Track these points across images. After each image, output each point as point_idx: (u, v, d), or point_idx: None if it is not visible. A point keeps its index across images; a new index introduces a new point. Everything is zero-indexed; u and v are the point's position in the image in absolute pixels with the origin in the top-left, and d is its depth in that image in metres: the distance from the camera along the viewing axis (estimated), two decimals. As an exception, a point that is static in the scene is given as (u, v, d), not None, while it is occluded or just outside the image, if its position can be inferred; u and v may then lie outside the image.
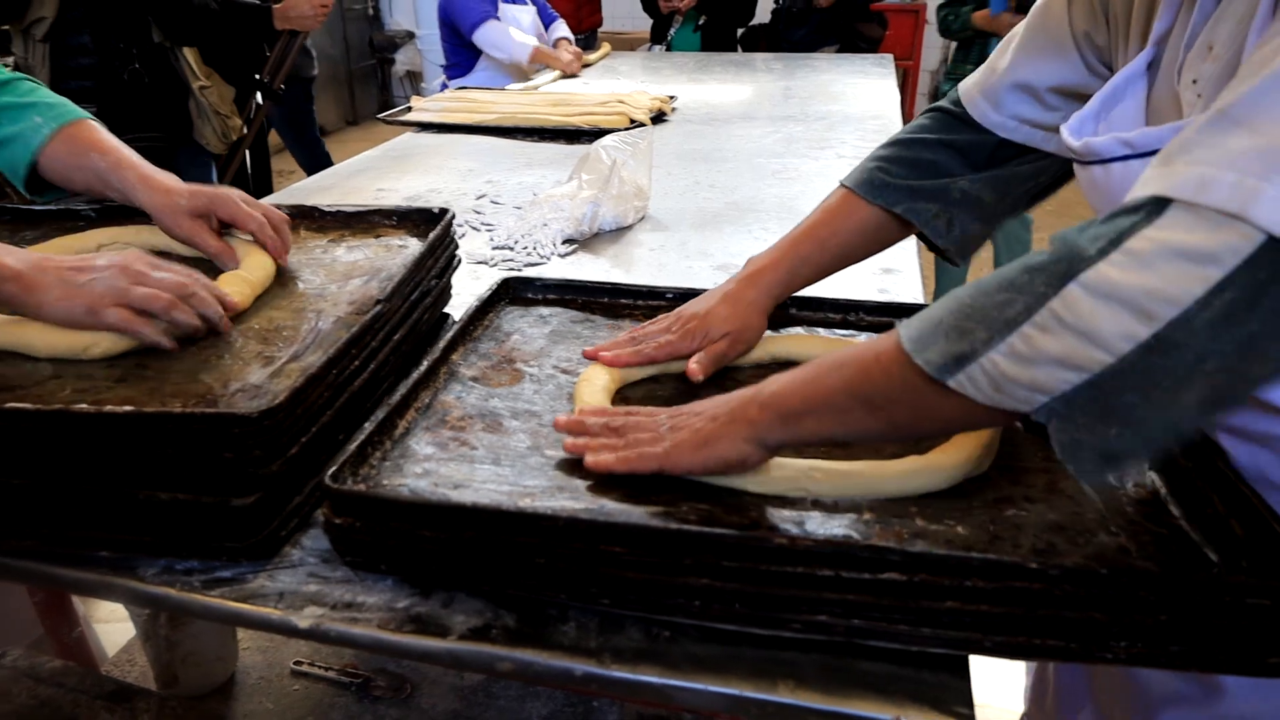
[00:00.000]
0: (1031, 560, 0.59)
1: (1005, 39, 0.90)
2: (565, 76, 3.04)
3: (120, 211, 1.04)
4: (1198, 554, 0.64)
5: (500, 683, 1.32)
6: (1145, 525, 0.67)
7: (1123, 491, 0.70)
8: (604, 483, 0.71)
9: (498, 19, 3.16)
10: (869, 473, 0.70)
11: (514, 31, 3.16)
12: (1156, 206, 0.52)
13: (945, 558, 0.59)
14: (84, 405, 0.66)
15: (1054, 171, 0.91)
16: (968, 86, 0.93)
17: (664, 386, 0.88)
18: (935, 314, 0.60)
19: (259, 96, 2.82)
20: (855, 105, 2.51)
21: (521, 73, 3.18)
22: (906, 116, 6.15)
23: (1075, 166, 0.76)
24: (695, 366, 0.87)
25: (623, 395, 0.86)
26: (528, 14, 3.31)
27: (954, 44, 3.35)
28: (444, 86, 3.33)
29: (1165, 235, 0.51)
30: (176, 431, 0.65)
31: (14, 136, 1.08)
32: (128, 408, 0.65)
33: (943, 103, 0.96)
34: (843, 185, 0.95)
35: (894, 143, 0.95)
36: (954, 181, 0.91)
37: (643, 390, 0.88)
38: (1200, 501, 0.68)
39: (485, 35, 3.12)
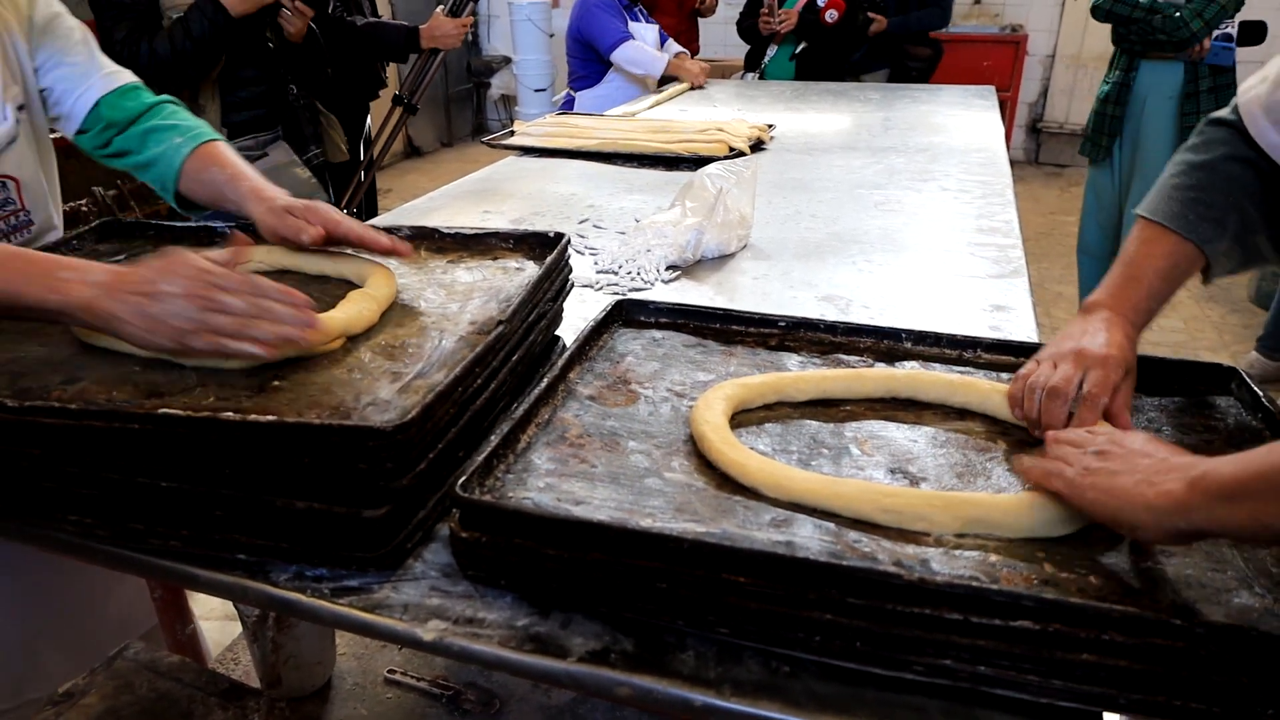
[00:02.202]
0: (1175, 617, 0.57)
1: None
2: (694, 88, 3.40)
3: (252, 229, 1.10)
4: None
5: (588, 703, 1.33)
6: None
7: (1267, 551, 0.67)
8: (727, 509, 0.71)
9: (632, 38, 3.43)
10: (990, 505, 0.69)
11: (645, 48, 3.44)
12: None
13: (1083, 608, 0.58)
14: (230, 414, 0.70)
15: None
16: (1248, 99, 0.93)
17: (778, 411, 0.88)
18: None
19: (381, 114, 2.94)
20: (958, 137, 2.47)
21: (646, 85, 3.47)
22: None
23: None
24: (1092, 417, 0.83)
25: (737, 420, 0.86)
26: (652, 32, 3.58)
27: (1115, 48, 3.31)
28: (570, 98, 3.64)
29: None
30: (315, 442, 0.68)
31: (159, 156, 1.15)
32: (270, 417, 0.68)
33: (1225, 114, 0.96)
34: (1155, 220, 0.94)
35: (1196, 168, 0.95)
36: (1256, 235, 0.93)
37: (760, 414, 0.88)
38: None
39: (625, 54, 3.43)
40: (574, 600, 0.67)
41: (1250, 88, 0.94)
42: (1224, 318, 3.91)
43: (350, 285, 1.02)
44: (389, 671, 1.37)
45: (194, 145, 1.14)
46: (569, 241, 1.07)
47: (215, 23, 2.06)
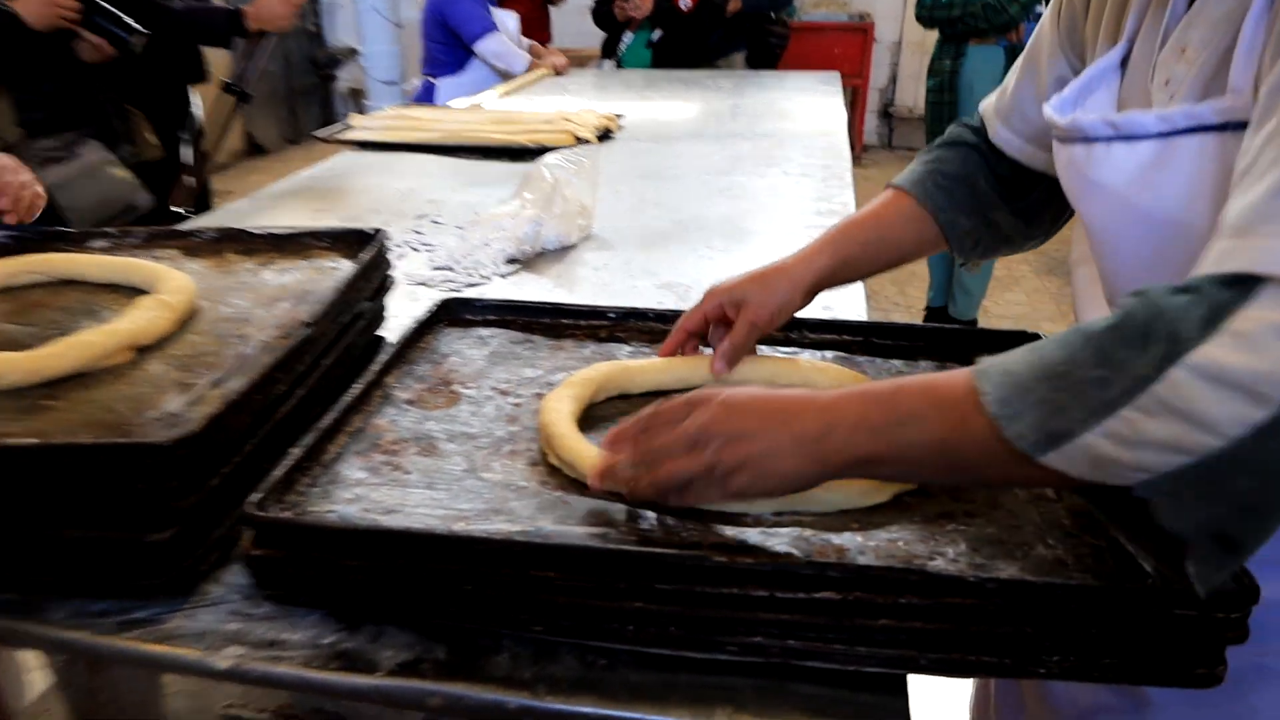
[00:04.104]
0: (967, 574, 0.60)
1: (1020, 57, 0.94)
2: (556, 74, 3.43)
3: (36, 244, 1.02)
4: (1133, 566, 0.65)
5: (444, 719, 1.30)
6: (1083, 538, 0.68)
7: (1060, 504, 0.72)
8: (547, 506, 0.71)
9: (497, 30, 3.37)
10: None
11: (508, 42, 3.42)
12: (1246, 284, 0.51)
13: (880, 573, 0.60)
14: (-15, 439, 0.64)
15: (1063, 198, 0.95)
16: (986, 105, 0.98)
17: (634, 404, 0.88)
18: (1019, 374, 0.56)
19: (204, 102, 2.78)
20: (803, 123, 2.55)
21: (508, 75, 3.42)
22: (855, 134, 6.28)
23: (1055, 146, 0.79)
24: (720, 364, 0.87)
25: (588, 415, 0.86)
26: (513, 20, 3.53)
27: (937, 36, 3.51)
28: (427, 85, 3.53)
29: (1270, 315, 0.50)
30: (84, 464, 0.63)
31: None
32: (31, 440, 0.63)
33: (972, 120, 1.00)
34: (895, 186, 0.96)
35: (944, 146, 0.99)
36: (994, 210, 0.95)
37: (612, 408, 0.88)
38: (1139, 513, 0.70)
39: (489, 46, 3.38)
40: (384, 612, 0.65)
41: (990, 98, 0.99)
42: (1061, 289, 4.20)
43: (143, 293, 0.96)
44: (226, 707, 1.31)
45: None
46: (386, 237, 1.05)
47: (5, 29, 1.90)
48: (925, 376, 0.62)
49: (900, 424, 0.59)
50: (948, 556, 0.66)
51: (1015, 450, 0.55)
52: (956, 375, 0.59)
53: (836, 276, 0.93)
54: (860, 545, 0.67)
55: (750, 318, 0.88)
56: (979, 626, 0.59)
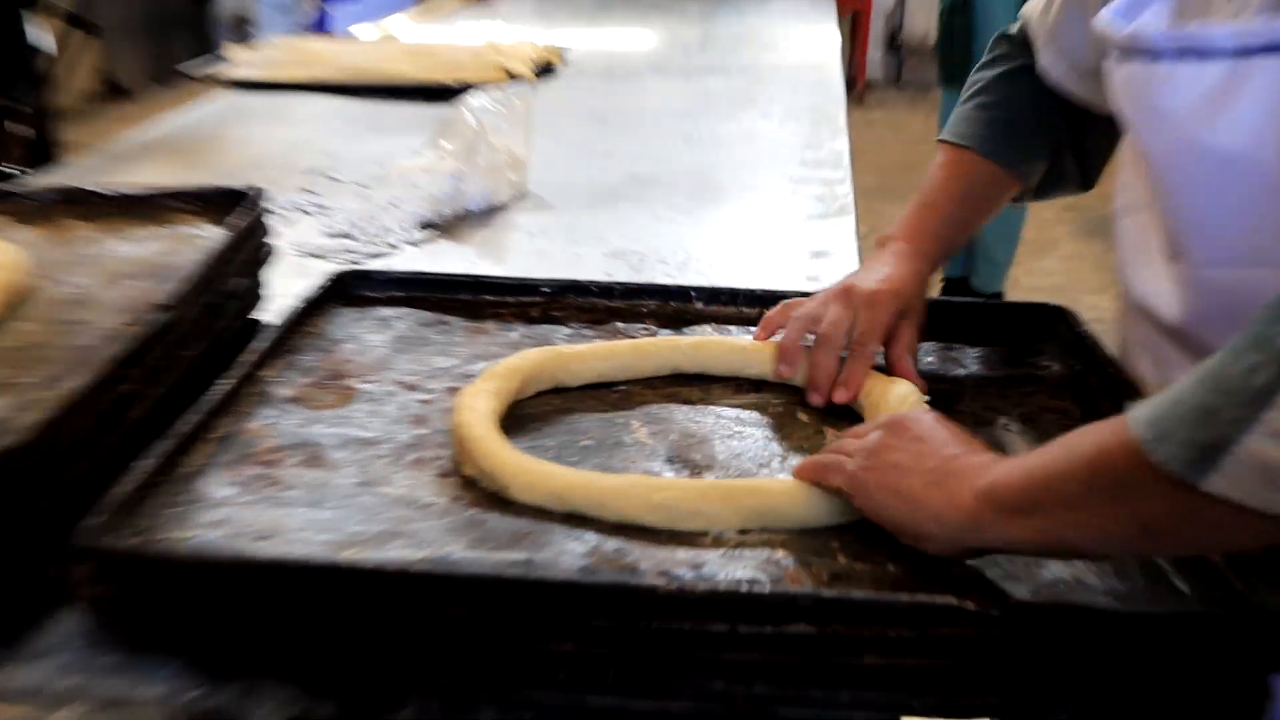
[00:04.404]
0: (975, 600, 0.61)
1: None
2: (475, 1, 3.32)
3: None
4: (1166, 584, 0.66)
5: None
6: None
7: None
8: (459, 527, 0.70)
9: None
10: (776, 493, 0.72)
11: None
12: None
13: (863, 602, 0.61)
14: None
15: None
16: (1030, 11, 1.02)
17: (570, 398, 0.89)
18: (1177, 389, 0.55)
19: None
20: (788, 55, 2.56)
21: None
22: (856, 69, 6.32)
23: (1110, 65, 0.81)
24: (843, 393, 0.87)
25: (514, 415, 0.86)
26: None
27: None
28: (323, 14, 3.55)
29: None
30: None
31: None
32: None
33: (1014, 30, 1.04)
34: (959, 144, 1.01)
35: (998, 79, 1.03)
36: (1061, 152, 1.03)
37: (545, 405, 0.88)
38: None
39: None
40: (257, 661, 0.64)
41: (1032, 8, 1.02)
42: (1104, 255, 4.27)
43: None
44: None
45: None
46: (265, 197, 1.05)
47: None
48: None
49: (1051, 464, 0.62)
50: (950, 579, 0.67)
51: (1170, 478, 0.53)
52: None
53: (942, 256, 1.00)
54: (844, 569, 0.67)
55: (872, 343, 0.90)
56: (982, 663, 0.60)
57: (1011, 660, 0.60)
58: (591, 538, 0.70)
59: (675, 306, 1.02)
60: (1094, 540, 0.61)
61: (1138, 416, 0.56)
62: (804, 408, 0.88)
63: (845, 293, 0.90)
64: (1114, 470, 0.57)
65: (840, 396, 0.87)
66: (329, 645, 0.63)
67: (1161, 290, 0.86)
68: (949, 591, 0.63)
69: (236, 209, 1.03)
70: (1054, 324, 0.99)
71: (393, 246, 1.36)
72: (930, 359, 0.97)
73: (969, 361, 0.96)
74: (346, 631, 0.62)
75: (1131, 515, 0.58)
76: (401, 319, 1.00)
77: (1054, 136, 1.02)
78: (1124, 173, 0.94)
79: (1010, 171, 1.00)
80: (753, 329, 0.99)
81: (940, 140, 1.03)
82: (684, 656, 0.61)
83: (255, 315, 1.05)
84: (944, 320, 0.99)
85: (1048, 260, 4.24)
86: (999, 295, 3.70)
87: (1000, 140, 0.99)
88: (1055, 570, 0.67)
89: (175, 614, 0.64)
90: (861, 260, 1.32)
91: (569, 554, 0.68)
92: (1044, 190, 1.05)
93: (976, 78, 1.05)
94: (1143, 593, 0.66)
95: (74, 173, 1.67)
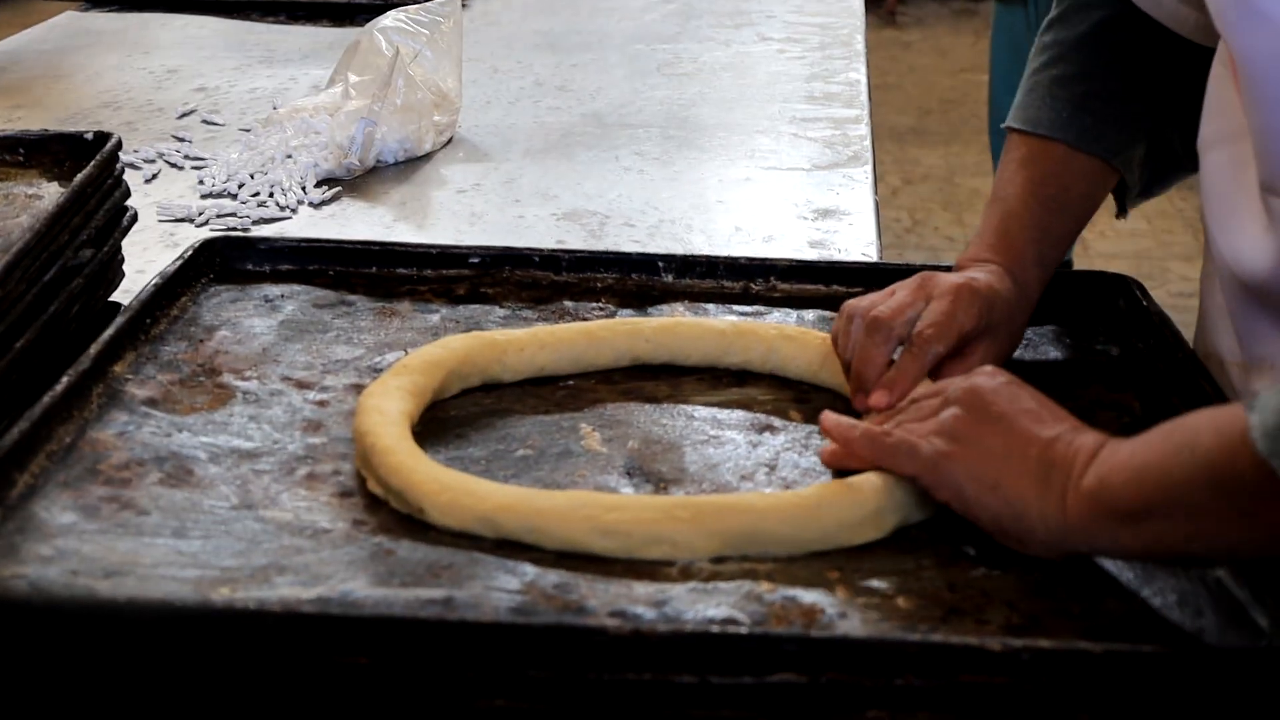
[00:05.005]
0: (992, 642, 0.63)
1: None
2: None
3: None
4: (1243, 618, 0.69)
5: None
6: (1174, 580, 0.72)
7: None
8: (361, 559, 0.72)
9: None
10: (762, 510, 0.74)
11: None
12: None
13: (864, 645, 0.63)
14: None
15: None
16: None
17: (505, 398, 0.90)
18: None
19: None
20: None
21: None
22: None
23: (1233, 33, 0.84)
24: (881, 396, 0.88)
25: (433, 419, 0.87)
26: None
27: None
28: None
29: None
30: None
31: None
32: None
33: None
34: (1036, 133, 1.01)
35: (1076, 48, 1.04)
36: (1168, 130, 1.04)
37: (472, 406, 0.89)
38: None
39: None
40: (103, 723, 0.66)
41: None
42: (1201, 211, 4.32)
43: None
44: None
45: None
46: (118, 145, 1.06)
47: None
48: None
49: (1165, 461, 0.66)
50: (975, 616, 0.69)
51: None
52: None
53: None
54: (840, 605, 0.69)
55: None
56: (1012, 718, 0.62)
57: (1048, 715, 0.62)
58: (528, 570, 0.71)
59: (638, 280, 1.03)
60: (1219, 551, 0.68)
61: (1258, 424, 0.59)
62: (798, 406, 0.90)
63: (919, 279, 0.92)
64: (1240, 480, 0.61)
65: (879, 400, 0.86)
66: (197, 706, 0.64)
67: (1252, 241, 0.89)
68: (980, 631, 0.66)
69: (84, 160, 1.04)
70: (1115, 298, 1.01)
71: (285, 209, 1.37)
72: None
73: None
74: (219, 689, 0.63)
75: (1265, 526, 0.63)
76: (292, 299, 1.00)
77: (1155, 107, 1.03)
78: (1212, 97, 0.96)
79: (1110, 163, 1.01)
80: (736, 307, 1.01)
81: (1010, 128, 1.03)
82: (643, 715, 0.62)
83: (111, 297, 1.07)
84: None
85: (1130, 219, 4.25)
86: (1067, 265, 3.73)
87: (1094, 125, 1.00)
88: (1109, 606, 0.69)
89: (4, 670, 0.64)
90: (880, 222, 1.34)
91: (499, 590, 0.69)
92: (1150, 184, 1.06)
93: (1049, 39, 1.05)
94: (1215, 630, 0.68)
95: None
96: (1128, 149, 1.02)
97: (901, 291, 0.91)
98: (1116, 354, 0.96)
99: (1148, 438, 0.69)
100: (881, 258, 1.26)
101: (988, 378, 0.79)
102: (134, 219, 1.10)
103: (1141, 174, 1.05)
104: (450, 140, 1.58)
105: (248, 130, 1.59)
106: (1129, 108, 1.02)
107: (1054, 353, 0.98)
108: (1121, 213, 1.10)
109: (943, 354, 0.88)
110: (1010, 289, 0.94)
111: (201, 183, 1.43)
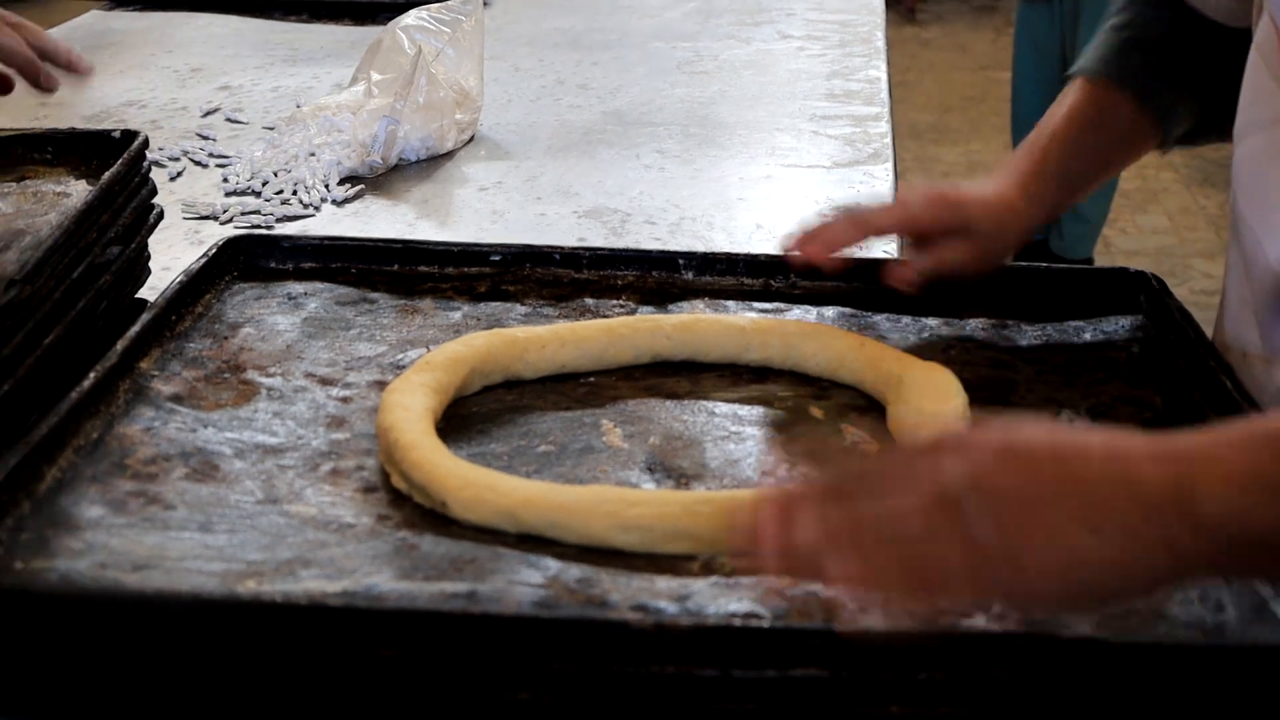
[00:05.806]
0: (1014, 634, 0.63)
1: None
2: None
3: None
4: (1265, 613, 0.69)
5: None
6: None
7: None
8: (386, 553, 0.72)
9: None
10: None
11: None
12: None
13: (888, 638, 0.63)
14: None
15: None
16: None
17: (526, 394, 0.91)
18: None
19: None
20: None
21: None
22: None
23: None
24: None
25: (455, 415, 0.88)
26: None
27: None
28: None
29: None
30: None
31: None
32: None
33: None
34: (1081, 73, 1.05)
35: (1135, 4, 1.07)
36: (1216, 92, 1.05)
37: (494, 403, 0.90)
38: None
39: None
40: (133, 717, 0.66)
41: None
42: (1225, 207, 4.29)
43: None
44: None
45: None
46: (146, 144, 1.07)
47: None
48: None
49: None
50: (993, 609, 0.69)
51: None
52: None
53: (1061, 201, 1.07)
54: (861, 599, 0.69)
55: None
56: (1040, 712, 0.62)
57: (1075, 709, 0.62)
58: (550, 564, 0.72)
59: (659, 277, 1.04)
60: None
61: None
62: (818, 402, 0.90)
63: (906, 187, 0.97)
64: None
65: (809, 249, 0.96)
66: (223, 698, 0.64)
67: None
68: (1000, 622, 0.66)
69: (111, 158, 1.05)
70: (1134, 294, 1.01)
71: (309, 206, 1.38)
72: (980, 337, 0.99)
73: (1026, 342, 0.98)
74: (246, 681, 0.64)
75: None
76: (315, 296, 1.01)
77: (1207, 67, 1.03)
78: (1249, 85, 0.95)
79: (1147, 106, 1.03)
80: (756, 304, 1.02)
81: (1067, 75, 1.06)
82: (665, 708, 0.62)
83: (138, 294, 1.08)
84: (996, 291, 1.02)
85: (1151, 215, 4.25)
86: (1089, 262, 3.72)
87: (1138, 67, 1.02)
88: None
89: (34, 662, 0.65)
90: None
91: (522, 584, 0.70)
92: (1191, 134, 1.08)
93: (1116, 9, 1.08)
94: (1237, 624, 0.68)
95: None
96: (1168, 99, 1.04)
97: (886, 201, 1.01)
98: (1138, 350, 0.96)
99: (1226, 438, 0.58)
100: (901, 254, 1.26)
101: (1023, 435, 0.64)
102: (160, 216, 1.12)
103: (1178, 125, 1.07)
104: (472, 138, 1.58)
105: (271, 128, 1.60)
106: (1176, 61, 1.04)
107: (1069, 351, 0.98)
108: (1161, 147, 1.12)
109: (880, 232, 1.00)
110: (1010, 199, 0.99)
111: (225, 180, 1.44)
